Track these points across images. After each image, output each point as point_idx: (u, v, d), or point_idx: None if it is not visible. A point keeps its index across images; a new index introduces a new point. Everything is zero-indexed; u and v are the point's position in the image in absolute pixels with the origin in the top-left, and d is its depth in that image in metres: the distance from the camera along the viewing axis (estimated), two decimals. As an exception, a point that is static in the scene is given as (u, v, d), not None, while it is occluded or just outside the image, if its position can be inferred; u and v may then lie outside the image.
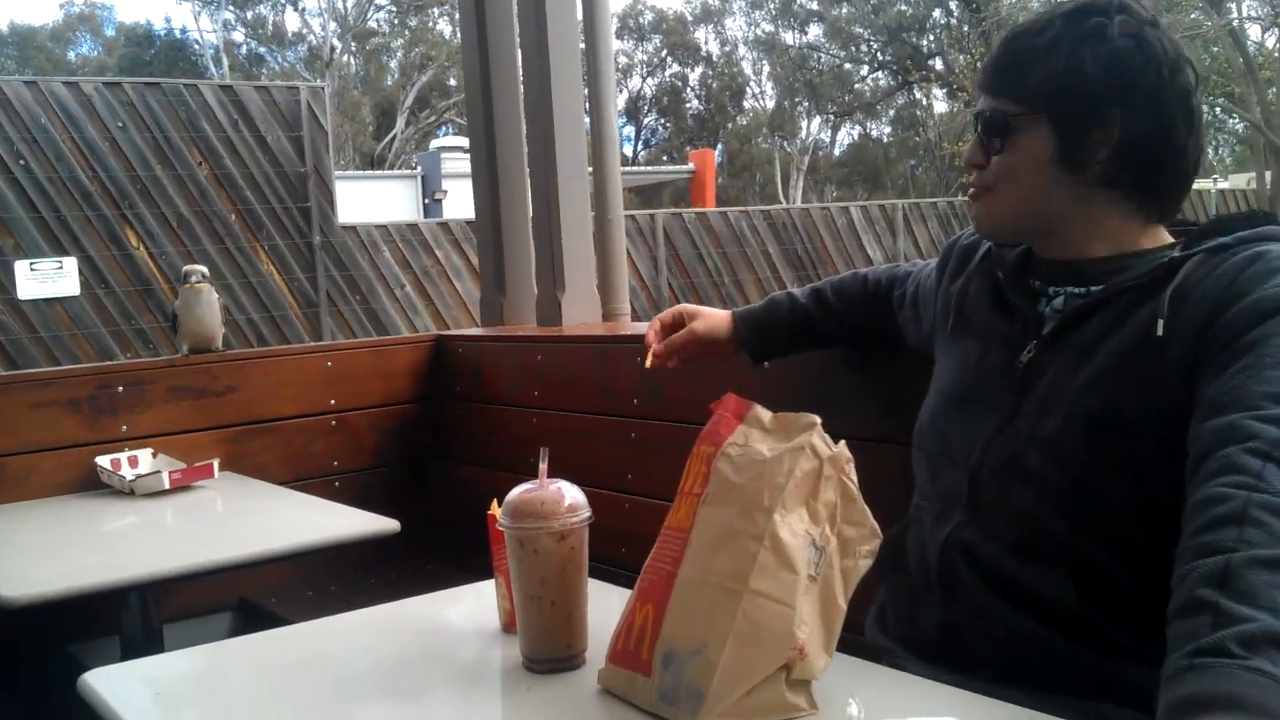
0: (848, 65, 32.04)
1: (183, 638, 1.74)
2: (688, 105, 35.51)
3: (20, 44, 30.96)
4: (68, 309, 9.39)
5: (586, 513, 1.28)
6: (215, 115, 9.94)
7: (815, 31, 32.90)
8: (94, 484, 2.74)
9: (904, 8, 30.26)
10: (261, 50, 31.14)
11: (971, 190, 1.44)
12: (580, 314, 3.37)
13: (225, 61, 29.29)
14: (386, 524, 2.19)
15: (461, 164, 14.86)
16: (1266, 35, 23.56)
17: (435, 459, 3.40)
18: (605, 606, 1.31)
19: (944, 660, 1.35)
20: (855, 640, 1.31)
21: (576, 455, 2.74)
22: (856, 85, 32.54)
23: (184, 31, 33.16)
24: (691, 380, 2.43)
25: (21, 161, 9.14)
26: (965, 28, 28.09)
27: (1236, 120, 25.05)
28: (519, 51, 3.51)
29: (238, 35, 31.04)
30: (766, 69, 34.13)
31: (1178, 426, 1.17)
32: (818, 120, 33.56)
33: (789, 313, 1.92)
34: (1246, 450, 1.05)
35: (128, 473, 2.70)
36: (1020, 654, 1.29)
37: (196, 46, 30.98)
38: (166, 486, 2.55)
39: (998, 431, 1.36)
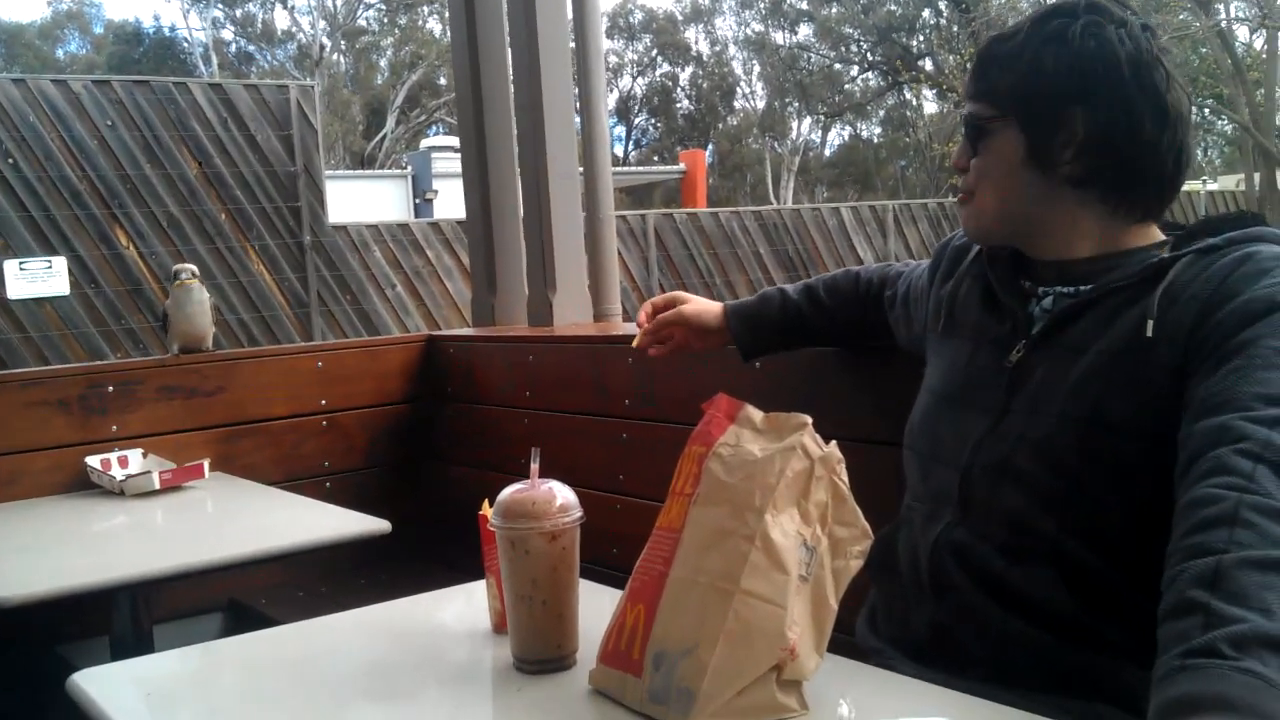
0: (838, 65, 32.07)
1: (173, 638, 1.74)
2: (678, 105, 35.54)
3: (8, 42, 30.85)
4: (57, 309, 9.36)
5: (578, 513, 1.28)
6: (205, 114, 9.92)
7: (805, 31, 32.92)
8: (84, 484, 2.74)
9: (893, 8, 30.29)
10: (251, 49, 31.09)
11: (959, 195, 1.46)
12: (572, 314, 3.37)
13: (214, 60, 29.23)
14: (377, 524, 2.19)
15: (452, 163, 14.83)
16: (1254, 37, 23.64)
17: (426, 459, 3.39)
18: (596, 607, 1.31)
19: (935, 660, 1.36)
20: (846, 641, 1.31)
21: (568, 456, 2.74)
22: (846, 86, 32.58)
23: (173, 29, 33.06)
24: (683, 380, 2.44)
25: (10, 160, 9.11)
26: (955, 28, 28.14)
27: (1225, 122, 25.14)
28: (509, 50, 3.51)
29: (227, 33, 31.00)
30: (757, 69, 34.19)
31: (1167, 427, 1.17)
32: (808, 121, 33.65)
33: (780, 308, 1.93)
34: (1237, 451, 1.05)
35: (118, 473, 2.70)
36: (1011, 654, 1.29)
37: (185, 44, 30.92)
38: (157, 487, 2.55)
39: (988, 432, 1.36)
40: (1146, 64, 1.31)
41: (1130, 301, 1.28)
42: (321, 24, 29.49)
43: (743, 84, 34.94)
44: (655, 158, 33.04)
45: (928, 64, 29.77)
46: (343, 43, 30.59)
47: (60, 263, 9.31)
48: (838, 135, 35.53)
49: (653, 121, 35.95)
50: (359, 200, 15.93)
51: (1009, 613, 1.30)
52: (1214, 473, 1.05)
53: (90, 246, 9.45)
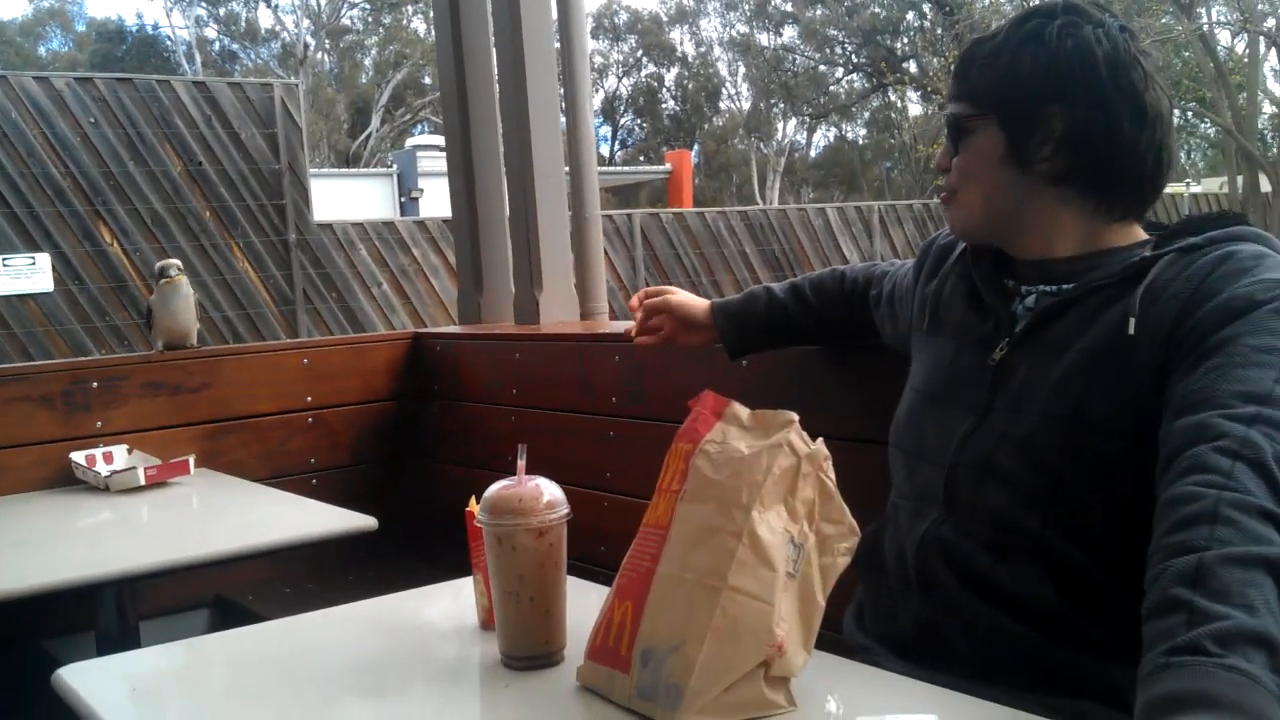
0: (822, 67, 32.09)
1: (159, 634, 1.73)
2: (664, 106, 35.51)
3: (-10, 38, 30.69)
4: (41, 305, 9.33)
5: (565, 509, 1.28)
6: (188, 111, 9.89)
7: (790, 33, 32.94)
8: (69, 480, 2.73)
9: (878, 11, 30.33)
10: (234, 47, 30.96)
11: (943, 194, 1.48)
12: (558, 312, 3.37)
13: (198, 58, 29.10)
14: (364, 521, 2.18)
15: (438, 162, 14.81)
16: (1236, 40, 23.76)
17: (413, 456, 3.39)
18: (584, 604, 1.31)
19: (922, 657, 1.37)
20: (834, 638, 1.31)
21: (555, 453, 2.75)
22: (831, 87, 32.60)
23: (156, 27, 33.02)
24: (670, 378, 2.44)
25: (-7, 157, 9.07)
26: (939, 31, 28.18)
27: (1208, 125, 25.27)
28: (494, 50, 3.51)
29: (210, 31, 30.86)
30: (742, 70, 34.17)
31: (1148, 425, 1.18)
32: (793, 122, 33.67)
33: (766, 307, 1.94)
34: (1216, 449, 1.06)
35: (103, 469, 2.69)
36: (997, 651, 1.30)
37: (169, 43, 30.80)
38: (142, 483, 2.54)
39: (972, 430, 1.37)
40: (1124, 64, 1.33)
41: (1112, 300, 1.29)
42: (305, 23, 29.40)
43: (728, 85, 34.97)
44: (641, 158, 33.04)
45: (912, 66, 29.82)
46: (327, 41, 30.49)
47: (44, 259, 9.27)
48: (823, 136, 35.62)
49: (638, 122, 35.95)
50: (344, 199, 15.89)
51: (995, 610, 1.31)
52: (1193, 470, 1.06)
53: (74, 243, 9.41)
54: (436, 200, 14.85)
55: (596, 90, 32.58)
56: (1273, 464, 1.03)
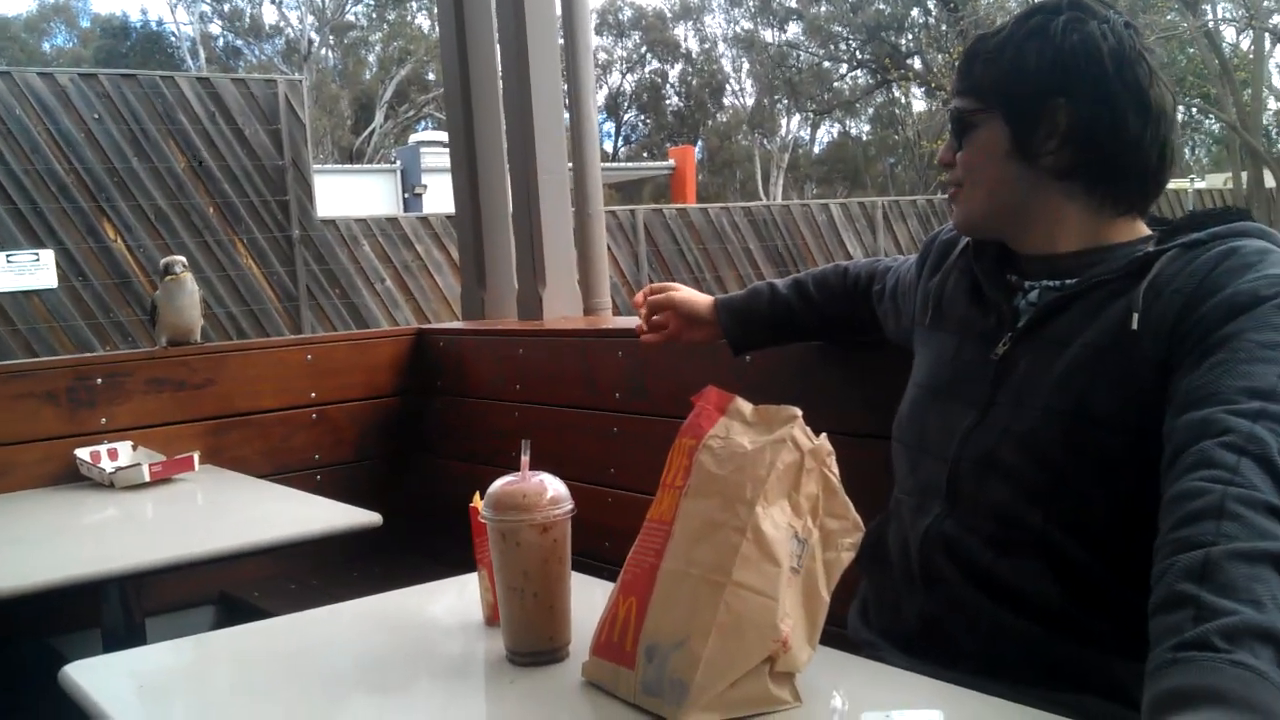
0: (826, 63, 32.06)
1: (164, 631, 1.74)
2: (667, 102, 35.48)
3: (-6, 35, 30.71)
4: (45, 301, 9.34)
5: (569, 505, 1.28)
6: (192, 108, 9.90)
7: (794, 29, 32.92)
8: (73, 476, 2.73)
9: (882, 6, 30.30)
10: (239, 43, 30.98)
11: (950, 190, 1.48)
12: (561, 308, 3.37)
13: (202, 54, 29.12)
14: (368, 517, 2.18)
15: (441, 159, 14.78)
16: (1241, 37, 23.72)
17: (417, 452, 3.39)
18: (588, 599, 1.31)
19: (925, 652, 1.37)
20: (838, 633, 1.31)
21: (558, 449, 2.75)
22: (835, 83, 32.57)
23: (160, 23, 33.02)
24: (673, 373, 2.44)
25: (-3, 154, 9.08)
26: (943, 27, 28.15)
27: (1213, 121, 25.22)
28: (498, 46, 3.51)
29: (214, 28, 30.89)
30: (746, 66, 34.16)
31: (1151, 420, 1.18)
32: (797, 118, 33.63)
33: (769, 302, 1.94)
34: (1221, 445, 1.06)
35: (107, 465, 2.69)
36: (1001, 646, 1.30)
37: (173, 39, 30.82)
38: (146, 479, 2.54)
39: (975, 425, 1.37)
40: (1129, 59, 1.33)
41: (1115, 295, 1.29)
42: (310, 19, 29.42)
43: (732, 81, 34.95)
44: (645, 154, 32.97)
45: (916, 62, 29.78)
46: (331, 38, 30.51)
47: (48, 255, 9.28)
48: (827, 132, 35.59)
49: (642, 118, 35.92)
50: (348, 195, 15.90)
51: (998, 605, 1.31)
52: (1199, 466, 1.05)
53: (78, 239, 9.43)
54: (440, 196, 14.86)
55: (600, 86, 32.55)
56: (1278, 459, 1.03)
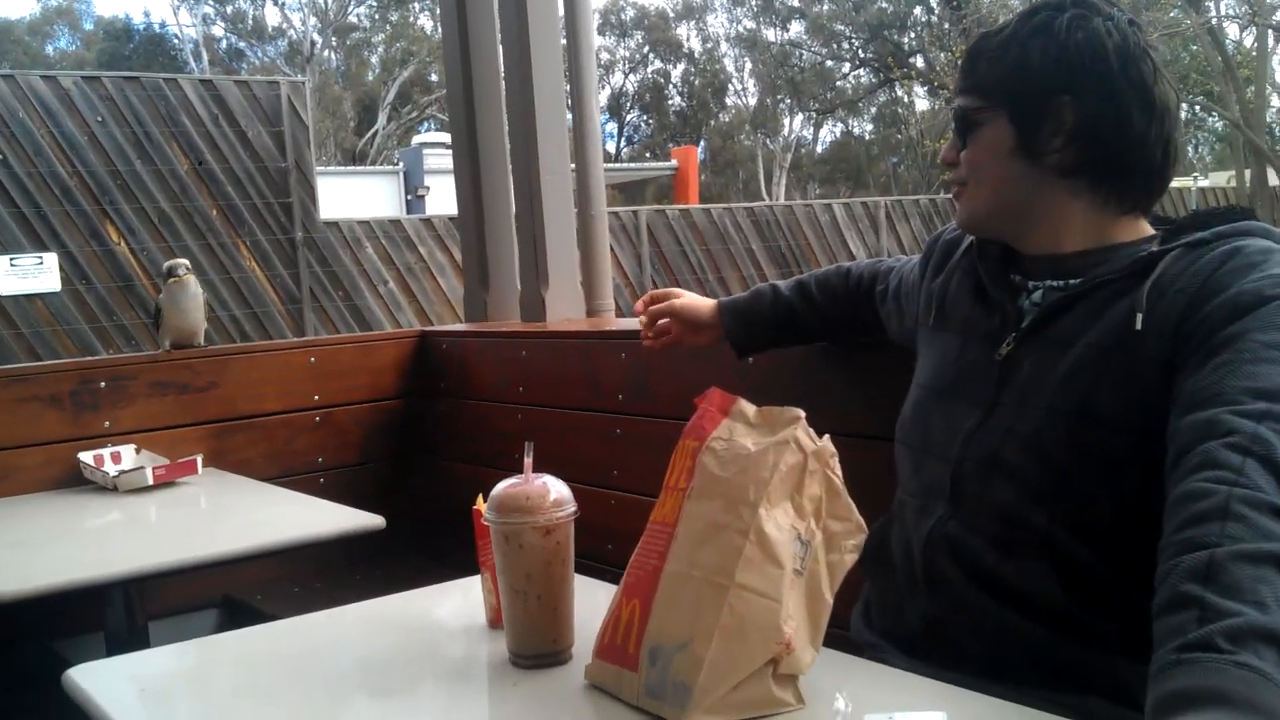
0: (829, 62, 32.06)
1: (168, 634, 1.74)
2: (670, 102, 35.49)
3: (-2, 38, 30.74)
4: (48, 305, 9.35)
5: (572, 507, 1.28)
6: (195, 110, 9.91)
7: (797, 28, 32.95)
8: (77, 480, 2.73)
9: (885, 5, 30.30)
10: (241, 45, 31.00)
11: (955, 189, 1.47)
12: (564, 309, 3.37)
13: (205, 56, 29.14)
14: (372, 520, 2.18)
15: (444, 160, 14.81)
16: (1245, 34, 23.67)
17: (420, 455, 3.39)
18: (592, 602, 1.31)
19: (928, 654, 1.36)
20: (841, 635, 1.31)
21: (561, 451, 2.74)
22: (838, 82, 32.58)
23: (163, 26, 33.06)
24: (676, 375, 2.44)
25: (0, 156, 9.08)
26: (946, 26, 28.14)
27: (1216, 118, 25.19)
28: (500, 47, 3.51)
29: (217, 30, 30.92)
30: (748, 66, 34.16)
31: (1155, 421, 1.17)
32: (800, 117, 33.64)
33: (772, 304, 1.94)
34: (1226, 445, 1.05)
35: (111, 469, 2.69)
36: (1004, 648, 1.30)
37: (176, 41, 30.84)
38: (150, 482, 2.54)
39: (978, 425, 1.37)
40: (1134, 56, 1.33)
41: (1119, 295, 1.28)
42: (312, 20, 29.45)
43: (734, 81, 34.96)
44: (647, 154, 32.99)
45: (919, 61, 29.78)
46: (334, 39, 30.53)
47: (51, 259, 9.29)
48: (829, 132, 35.59)
49: (645, 118, 35.93)
50: (351, 196, 15.91)
51: (1001, 606, 1.30)
52: (1203, 467, 1.05)
53: (81, 242, 9.43)
54: (443, 198, 14.86)
55: (602, 86, 32.57)
56: (1283, 460, 1.02)
